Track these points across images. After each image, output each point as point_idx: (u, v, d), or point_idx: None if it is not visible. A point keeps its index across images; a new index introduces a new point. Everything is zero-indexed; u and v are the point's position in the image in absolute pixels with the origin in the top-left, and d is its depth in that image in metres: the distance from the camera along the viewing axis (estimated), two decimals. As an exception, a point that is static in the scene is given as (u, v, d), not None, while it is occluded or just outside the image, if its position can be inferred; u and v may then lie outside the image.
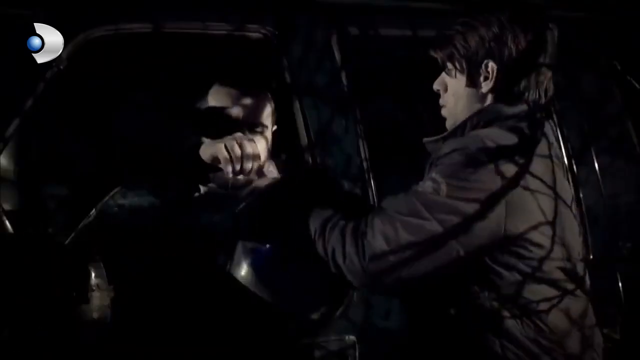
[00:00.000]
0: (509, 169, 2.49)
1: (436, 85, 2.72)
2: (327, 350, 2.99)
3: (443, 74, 2.71)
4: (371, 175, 3.19)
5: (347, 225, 2.51)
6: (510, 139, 2.55)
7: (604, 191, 3.54)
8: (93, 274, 2.45)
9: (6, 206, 3.20)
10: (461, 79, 2.66)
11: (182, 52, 3.40)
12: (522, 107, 2.63)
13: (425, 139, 2.74)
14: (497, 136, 2.55)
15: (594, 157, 3.52)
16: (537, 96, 2.65)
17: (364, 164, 3.19)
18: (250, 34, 3.17)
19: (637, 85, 3.57)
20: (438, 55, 2.70)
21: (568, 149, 3.48)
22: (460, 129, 2.64)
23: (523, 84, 2.63)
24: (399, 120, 3.77)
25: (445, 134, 2.68)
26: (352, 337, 3.04)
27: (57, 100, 3.12)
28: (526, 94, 2.64)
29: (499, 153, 2.49)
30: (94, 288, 2.45)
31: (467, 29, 2.63)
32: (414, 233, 2.44)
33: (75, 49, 2.89)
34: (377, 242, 2.45)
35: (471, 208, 2.44)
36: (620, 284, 3.46)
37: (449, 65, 2.68)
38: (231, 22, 3.14)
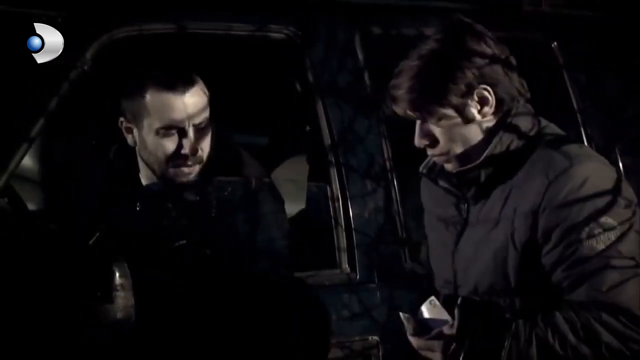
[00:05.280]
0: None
1: (423, 141, 2.53)
2: (351, 350, 2.99)
3: (429, 126, 2.51)
4: (394, 175, 3.18)
5: None
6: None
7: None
8: (117, 274, 2.44)
9: (30, 206, 3.22)
10: (453, 120, 2.48)
11: (205, 53, 3.41)
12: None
13: (459, 170, 2.55)
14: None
15: (618, 157, 3.50)
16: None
17: (387, 164, 3.19)
18: (274, 34, 3.18)
19: (660, 84, 3.56)
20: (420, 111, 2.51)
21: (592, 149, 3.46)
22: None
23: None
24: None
25: (479, 161, 2.50)
26: (375, 337, 3.03)
27: (81, 101, 3.13)
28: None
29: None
30: (118, 288, 2.44)
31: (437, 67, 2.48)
32: None
33: (99, 49, 2.90)
34: None
35: None
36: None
37: (440, 112, 2.48)
38: (254, 22, 3.14)
